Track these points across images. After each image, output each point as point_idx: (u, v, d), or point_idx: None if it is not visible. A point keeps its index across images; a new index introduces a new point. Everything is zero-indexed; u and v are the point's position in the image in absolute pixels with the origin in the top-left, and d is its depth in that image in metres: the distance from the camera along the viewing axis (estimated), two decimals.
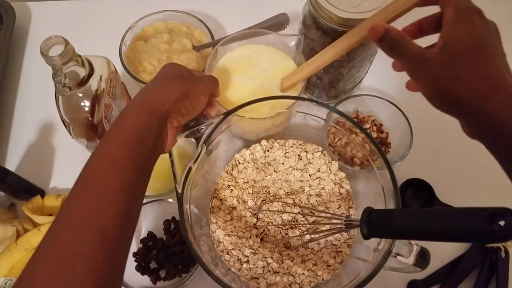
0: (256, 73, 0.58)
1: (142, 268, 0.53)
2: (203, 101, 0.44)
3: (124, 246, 0.34)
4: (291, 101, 0.53)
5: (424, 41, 0.40)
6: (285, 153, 0.58)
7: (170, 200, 0.56)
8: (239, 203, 0.54)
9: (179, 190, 0.45)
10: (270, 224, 0.53)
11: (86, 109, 0.50)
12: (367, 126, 0.63)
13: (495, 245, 0.55)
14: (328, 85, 0.63)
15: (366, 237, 0.37)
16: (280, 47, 0.60)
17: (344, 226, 0.42)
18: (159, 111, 0.39)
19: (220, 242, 0.52)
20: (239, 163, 0.57)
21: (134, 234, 0.36)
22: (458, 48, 0.34)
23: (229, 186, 0.56)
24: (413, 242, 0.41)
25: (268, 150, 0.58)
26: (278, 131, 0.59)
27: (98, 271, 0.30)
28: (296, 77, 0.55)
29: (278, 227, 0.53)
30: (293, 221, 0.53)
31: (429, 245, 0.40)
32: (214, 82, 0.49)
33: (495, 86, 0.33)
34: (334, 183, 0.56)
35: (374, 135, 0.62)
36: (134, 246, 0.55)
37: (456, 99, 0.35)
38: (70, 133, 0.53)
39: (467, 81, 0.34)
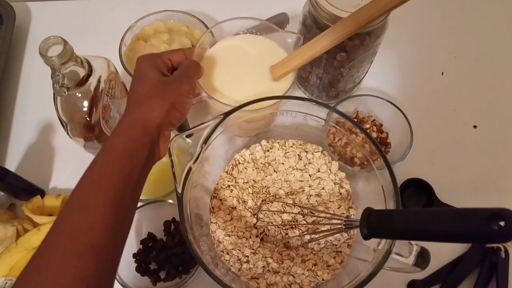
0: (247, 63, 0.56)
1: (142, 269, 0.53)
2: (189, 103, 0.45)
3: (114, 256, 0.36)
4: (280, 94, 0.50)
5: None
6: (285, 153, 0.58)
7: (170, 201, 0.56)
8: (239, 203, 0.54)
9: (179, 190, 0.44)
10: (270, 224, 0.53)
11: (84, 109, 0.50)
12: (367, 126, 0.63)
13: (495, 245, 0.55)
14: (328, 85, 0.63)
15: (366, 237, 0.37)
16: (277, 40, 0.57)
17: (344, 226, 0.42)
18: (150, 129, 0.40)
19: (220, 242, 0.52)
20: (239, 163, 0.57)
21: (125, 245, 0.37)
22: None
23: (229, 186, 0.56)
24: (413, 242, 0.41)
25: (268, 150, 0.58)
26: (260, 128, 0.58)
27: (87, 281, 0.32)
28: (287, 66, 0.52)
29: (278, 227, 0.53)
30: (293, 221, 0.53)
31: (429, 245, 0.39)
32: (195, 67, 0.48)
33: None
34: (334, 183, 0.56)
35: (374, 135, 0.62)
36: (134, 247, 0.55)
37: None
38: (67, 133, 0.53)
39: None
